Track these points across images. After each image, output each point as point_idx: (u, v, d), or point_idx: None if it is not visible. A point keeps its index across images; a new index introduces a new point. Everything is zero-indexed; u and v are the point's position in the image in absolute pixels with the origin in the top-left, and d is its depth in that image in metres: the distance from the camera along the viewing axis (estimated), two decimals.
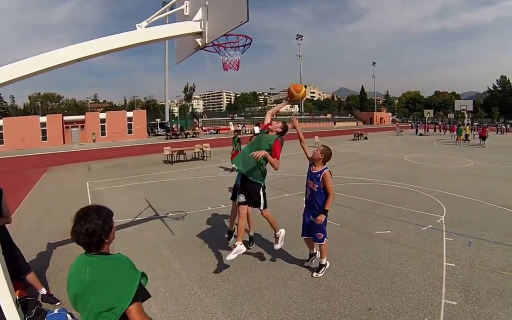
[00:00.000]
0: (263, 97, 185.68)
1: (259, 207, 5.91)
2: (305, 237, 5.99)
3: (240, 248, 5.55)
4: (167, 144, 30.47)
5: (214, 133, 59.07)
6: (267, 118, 6.44)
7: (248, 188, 5.84)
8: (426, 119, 69.16)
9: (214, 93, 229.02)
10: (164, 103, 68.42)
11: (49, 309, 4.73)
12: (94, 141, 47.30)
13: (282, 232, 6.07)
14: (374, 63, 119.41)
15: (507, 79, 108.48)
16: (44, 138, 44.75)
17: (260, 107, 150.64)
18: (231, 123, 68.55)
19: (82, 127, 49.41)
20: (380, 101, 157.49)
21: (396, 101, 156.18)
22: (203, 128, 62.66)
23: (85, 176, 17.61)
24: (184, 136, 50.94)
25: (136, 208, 10.41)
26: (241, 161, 5.98)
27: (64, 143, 45.84)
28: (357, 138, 41.60)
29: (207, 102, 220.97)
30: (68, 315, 4.33)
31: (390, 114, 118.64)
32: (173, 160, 22.50)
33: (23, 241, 7.28)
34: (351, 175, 15.72)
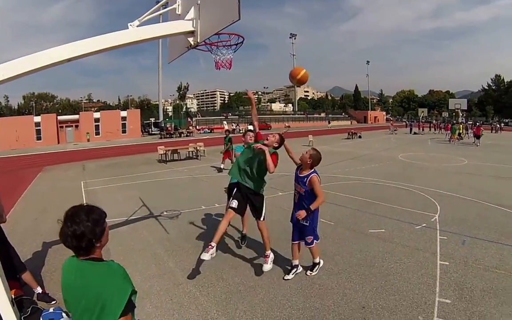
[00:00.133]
0: (257, 96, 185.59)
1: (260, 218, 5.83)
2: (294, 242, 5.79)
3: (214, 251, 5.46)
4: (161, 143, 30.46)
5: (208, 132, 59.06)
6: (256, 125, 6.32)
7: (251, 199, 5.81)
8: (420, 118, 69.52)
9: (208, 92, 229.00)
10: (158, 103, 68.22)
11: (45, 308, 4.70)
12: (88, 140, 47.18)
13: (272, 255, 5.98)
14: (368, 62, 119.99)
15: (502, 78, 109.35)
16: (39, 138, 44.58)
17: None
18: (225, 122, 68.61)
19: (76, 126, 49.25)
20: (374, 100, 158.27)
21: (390, 100, 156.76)
22: (197, 127, 62.68)
23: (79, 176, 17.52)
24: (178, 135, 50.91)
25: (131, 207, 10.37)
26: (237, 172, 5.85)
27: (58, 142, 45.67)
28: (351, 137, 41.72)
29: (201, 101, 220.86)
30: (64, 314, 4.30)
31: (384, 113, 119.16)
32: (167, 159, 22.44)
33: (18, 241, 7.24)
34: (345, 174, 15.76)
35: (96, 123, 49.96)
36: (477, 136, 30.89)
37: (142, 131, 56.73)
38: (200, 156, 23.72)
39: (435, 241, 7.23)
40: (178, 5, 5.97)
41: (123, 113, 54.79)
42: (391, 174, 15.46)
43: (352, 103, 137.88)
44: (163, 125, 55.54)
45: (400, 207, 9.82)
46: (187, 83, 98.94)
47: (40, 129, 45.15)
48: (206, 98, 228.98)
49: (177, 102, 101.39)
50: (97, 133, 49.60)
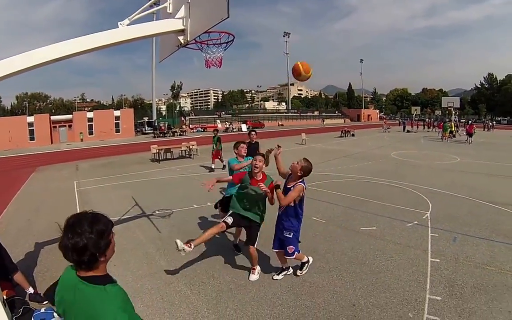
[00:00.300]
0: (250, 94, 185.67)
1: (254, 245, 5.63)
2: (276, 250, 5.67)
3: (189, 249, 5.11)
4: (154, 142, 30.40)
5: (202, 131, 58.90)
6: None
7: (247, 226, 5.70)
8: (414, 116, 69.74)
9: (202, 91, 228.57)
10: (151, 102, 68.04)
11: (36, 308, 4.68)
12: (81, 140, 46.90)
13: (259, 268, 5.89)
14: (361, 60, 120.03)
15: (494, 76, 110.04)
16: (32, 138, 44.22)
17: (247, 105, 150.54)
18: (218, 121, 68.57)
19: (70, 126, 48.92)
20: (368, 98, 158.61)
21: (384, 98, 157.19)
22: (190, 126, 62.49)
23: (73, 176, 17.38)
24: (172, 134, 50.79)
25: (123, 207, 10.33)
26: (240, 208, 5.62)
27: (52, 142, 45.33)
28: (344, 135, 41.77)
29: (195, 100, 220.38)
30: (55, 314, 4.28)
31: (377, 111, 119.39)
32: (160, 159, 22.33)
33: (11, 242, 7.29)
34: (338, 172, 15.79)
35: (90, 123, 49.61)
36: (470, 134, 31.02)
37: (136, 131, 56.49)
38: (193, 155, 23.64)
39: (427, 239, 7.26)
40: (169, 3, 5.97)
41: (117, 113, 54.47)
42: (383, 172, 15.51)
43: (346, 102, 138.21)
44: (156, 124, 55.35)
45: (392, 205, 9.85)
46: (180, 82, 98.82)
47: (33, 129, 44.80)
48: (199, 97, 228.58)
49: (171, 101, 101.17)
50: (91, 133, 49.28)
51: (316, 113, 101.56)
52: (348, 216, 8.99)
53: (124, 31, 5.11)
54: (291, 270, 5.76)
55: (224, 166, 17.02)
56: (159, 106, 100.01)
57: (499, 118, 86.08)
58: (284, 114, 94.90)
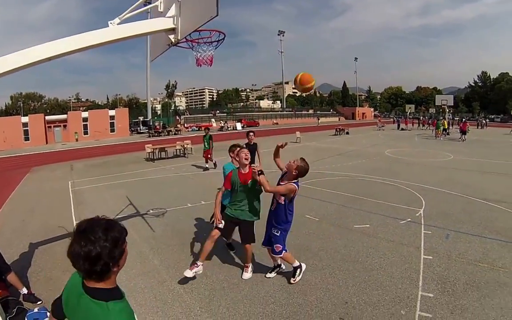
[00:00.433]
0: (245, 93, 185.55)
1: (250, 243, 5.63)
2: (266, 247, 5.68)
3: (200, 269, 5.40)
4: (149, 141, 30.31)
5: (196, 130, 58.75)
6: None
7: (243, 228, 5.65)
8: (408, 114, 69.85)
9: (197, 90, 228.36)
10: (146, 101, 67.77)
11: (30, 308, 4.72)
12: (77, 140, 46.59)
13: (252, 266, 5.90)
14: (356, 58, 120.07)
15: (488, 75, 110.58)
16: (27, 139, 43.87)
17: (242, 104, 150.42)
18: (213, 119, 68.52)
19: (65, 126, 48.61)
20: (362, 97, 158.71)
21: (378, 97, 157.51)
22: (185, 125, 62.37)
23: (67, 176, 17.31)
24: (166, 133, 50.61)
25: (118, 206, 10.32)
26: (235, 212, 5.58)
27: (46, 143, 45.01)
28: (338, 133, 41.77)
29: (190, 99, 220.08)
30: (48, 313, 4.29)
31: (372, 109, 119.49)
32: (155, 158, 22.29)
33: (6, 242, 7.33)
34: (332, 170, 15.81)
35: (85, 123, 49.31)
36: (463, 132, 31.14)
37: (131, 130, 56.29)
38: (187, 154, 23.62)
39: (420, 236, 7.28)
40: (160, 2, 5.95)
41: (111, 112, 54.23)
42: (377, 170, 15.55)
43: (340, 100, 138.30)
44: (151, 123, 55.17)
45: (386, 202, 9.87)
46: (175, 81, 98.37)
47: (27, 129, 44.50)
48: (194, 96, 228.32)
49: (166, 100, 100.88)
50: (86, 133, 48.99)
51: (311, 111, 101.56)
52: (342, 214, 9.00)
53: (115, 30, 5.09)
54: (283, 267, 5.73)
55: (215, 164, 16.90)
56: (154, 106, 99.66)
57: (492, 116, 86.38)
58: (279, 112, 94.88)
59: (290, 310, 4.67)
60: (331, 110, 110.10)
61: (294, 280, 5.43)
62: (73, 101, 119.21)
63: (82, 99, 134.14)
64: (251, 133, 10.73)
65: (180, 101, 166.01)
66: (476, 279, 5.38)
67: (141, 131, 56.10)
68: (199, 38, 6.07)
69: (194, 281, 5.61)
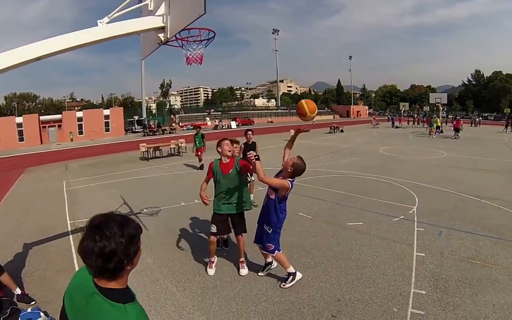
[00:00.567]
0: (240, 92, 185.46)
1: (241, 233, 5.73)
2: (257, 245, 5.59)
3: (215, 262, 5.89)
4: (143, 141, 30.21)
5: (191, 129, 58.68)
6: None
7: (234, 221, 5.75)
8: (402, 112, 70.07)
9: (192, 89, 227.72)
10: (141, 100, 67.57)
11: (24, 309, 4.67)
12: (71, 140, 46.28)
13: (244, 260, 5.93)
14: (350, 57, 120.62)
15: (481, 73, 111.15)
16: (21, 139, 43.50)
17: (236, 102, 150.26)
18: (207, 118, 68.42)
19: (59, 126, 48.26)
20: (357, 95, 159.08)
21: (373, 95, 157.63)
22: (180, 124, 62.23)
23: (62, 176, 17.22)
24: (161, 132, 50.52)
25: (112, 206, 10.24)
26: (223, 207, 5.65)
27: (41, 143, 44.66)
28: (333, 131, 41.89)
29: (185, 98, 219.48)
30: (42, 313, 4.29)
31: (366, 107, 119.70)
32: (149, 157, 22.23)
33: (0, 244, 7.37)
34: (326, 168, 15.82)
35: (79, 122, 48.95)
36: (457, 130, 31.26)
37: (126, 130, 56.09)
38: (182, 152, 23.56)
39: (412, 233, 7.29)
40: (151, 1, 5.93)
41: (106, 112, 53.95)
42: (371, 168, 15.57)
43: (335, 98, 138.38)
44: (146, 123, 55.04)
45: (379, 200, 9.89)
46: (169, 80, 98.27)
47: (22, 130, 44.19)
48: (189, 95, 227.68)
49: (161, 99, 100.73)
50: (81, 133, 48.68)
51: None
52: (335, 212, 9.00)
53: (103, 30, 5.06)
54: (274, 264, 5.65)
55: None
56: (149, 105, 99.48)
57: (486, 114, 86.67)
58: (274, 110, 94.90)
59: (282, 308, 4.66)
60: (326, 108, 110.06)
61: (284, 286, 5.26)
62: (68, 101, 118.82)
63: (77, 99, 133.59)
64: (250, 132, 10.44)
65: (175, 100, 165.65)
66: (468, 276, 5.39)
67: (136, 130, 55.86)
68: (189, 37, 6.07)
69: (187, 279, 5.61)
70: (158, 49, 6.27)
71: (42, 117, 49.03)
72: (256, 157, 5.00)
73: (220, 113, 78.97)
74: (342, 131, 42.53)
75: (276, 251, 5.26)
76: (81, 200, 11.53)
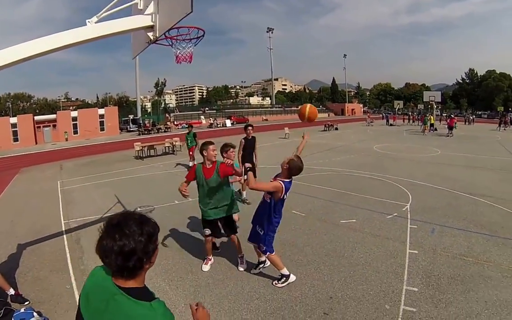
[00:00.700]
0: (234, 90, 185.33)
1: (232, 233, 5.80)
2: (251, 243, 5.53)
3: (212, 260, 6.01)
4: (138, 140, 30.13)
5: (186, 127, 58.62)
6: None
7: (224, 224, 5.83)
8: (396, 110, 70.28)
9: (187, 87, 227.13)
10: (136, 99, 67.34)
11: (18, 309, 4.64)
12: (66, 140, 45.98)
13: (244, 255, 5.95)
14: (345, 55, 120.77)
15: (475, 72, 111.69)
16: (16, 139, 43.09)
17: (232, 100, 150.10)
18: (202, 116, 68.30)
19: (54, 126, 47.90)
20: (352, 93, 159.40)
21: (368, 93, 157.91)
22: (175, 122, 62.08)
23: (56, 176, 17.11)
24: (156, 131, 50.44)
25: (106, 205, 10.22)
26: (210, 211, 5.68)
27: (36, 143, 44.31)
28: (327, 129, 41.90)
29: (180, 97, 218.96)
30: (35, 313, 4.28)
31: (361, 105, 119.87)
32: (144, 156, 22.18)
33: None
34: (320, 165, 15.83)
35: (74, 122, 48.60)
36: (451, 128, 31.39)
37: (121, 129, 55.88)
38: (176, 151, 23.56)
39: (406, 230, 7.31)
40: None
41: (101, 111, 53.65)
42: (365, 165, 15.60)
43: (330, 96, 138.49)
44: (141, 121, 54.89)
45: (373, 197, 9.91)
46: (164, 79, 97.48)
47: (16, 130, 43.87)
48: (185, 93, 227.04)
49: (156, 98, 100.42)
50: (75, 132, 48.37)
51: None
52: (328, 209, 9.01)
53: (92, 29, 5.04)
54: (267, 263, 5.61)
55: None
56: (144, 104, 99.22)
57: (479, 112, 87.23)
58: (269, 109, 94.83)
59: (274, 306, 4.66)
60: (321, 106, 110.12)
61: (276, 284, 5.23)
62: (63, 100, 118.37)
63: (72, 99, 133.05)
64: (250, 127, 10.09)
65: (170, 99, 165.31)
66: (460, 273, 5.41)
67: (131, 129, 55.65)
68: (178, 35, 6.06)
69: (179, 278, 5.62)
70: (151, 47, 6.27)
71: (36, 117, 48.80)
72: (249, 168, 5.07)
73: (215, 111, 78.82)
74: (336, 129, 42.61)
75: (268, 253, 5.20)
76: (76, 200, 11.46)
